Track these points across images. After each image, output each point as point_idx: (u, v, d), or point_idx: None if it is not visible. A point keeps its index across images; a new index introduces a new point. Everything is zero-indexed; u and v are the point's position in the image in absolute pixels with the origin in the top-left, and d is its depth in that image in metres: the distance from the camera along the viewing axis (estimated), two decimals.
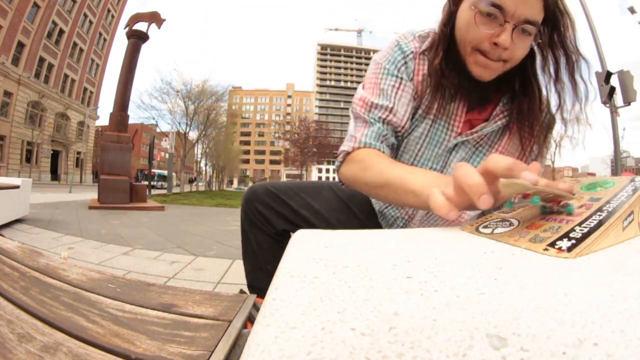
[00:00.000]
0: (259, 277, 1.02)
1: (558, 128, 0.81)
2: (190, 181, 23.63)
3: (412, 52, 0.82)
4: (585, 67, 0.75)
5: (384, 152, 0.76)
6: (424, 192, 0.53)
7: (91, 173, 34.31)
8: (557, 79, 0.74)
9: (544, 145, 0.83)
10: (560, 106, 0.76)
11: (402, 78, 0.81)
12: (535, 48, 0.73)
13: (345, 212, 0.98)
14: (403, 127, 0.81)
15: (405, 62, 0.82)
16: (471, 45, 0.71)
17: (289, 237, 1.01)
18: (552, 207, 0.43)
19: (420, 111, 0.83)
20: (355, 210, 0.99)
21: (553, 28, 0.70)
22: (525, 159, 0.83)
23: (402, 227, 0.92)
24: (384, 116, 0.79)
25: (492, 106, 0.82)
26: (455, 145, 0.82)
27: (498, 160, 0.43)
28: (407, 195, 0.58)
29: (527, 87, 0.77)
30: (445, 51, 0.76)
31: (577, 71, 0.73)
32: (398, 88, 0.80)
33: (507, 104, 0.80)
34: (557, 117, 0.78)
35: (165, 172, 27.83)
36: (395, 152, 0.86)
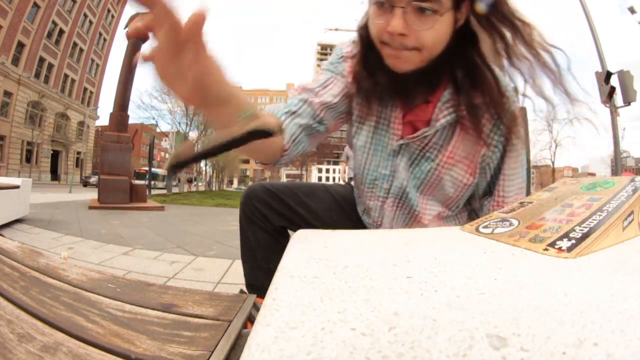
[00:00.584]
0: (258, 276, 1.02)
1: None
2: (189, 181, 23.62)
3: (343, 55, 0.83)
4: (540, 35, 0.65)
5: (283, 122, 0.74)
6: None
7: (91, 173, 34.30)
8: (510, 56, 0.65)
9: (512, 138, 0.74)
10: (528, 84, 0.67)
11: (335, 73, 0.82)
12: (475, 27, 0.66)
13: (339, 212, 0.99)
14: (321, 112, 0.79)
15: (339, 63, 0.83)
16: (377, 39, 0.67)
17: (286, 234, 1.02)
18: None
19: (355, 117, 0.83)
20: (349, 211, 1.00)
21: (457, 3, 0.62)
22: (488, 158, 0.77)
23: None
24: (306, 96, 0.79)
25: (432, 105, 0.76)
26: (400, 148, 0.80)
27: None
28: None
29: (475, 75, 0.69)
30: (367, 53, 0.73)
31: (532, 39, 0.64)
32: (329, 81, 0.81)
33: (450, 100, 0.74)
34: (531, 98, 0.69)
35: (159, 171, 27.78)
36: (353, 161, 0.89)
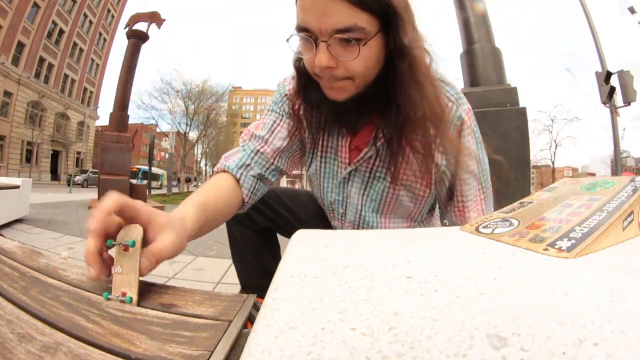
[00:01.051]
0: (250, 275, 1.03)
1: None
2: (187, 180, 23.58)
3: (286, 94, 0.83)
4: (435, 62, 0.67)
5: (239, 179, 0.76)
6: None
7: (79, 171, 34.30)
8: (411, 79, 0.64)
9: (460, 145, 0.73)
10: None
11: (282, 115, 0.83)
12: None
13: (320, 215, 1.00)
14: (274, 160, 0.82)
15: (283, 103, 0.84)
16: (310, 72, 0.67)
17: (273, 235, 1.04)
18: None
19: (309, 147, 0.85)
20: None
21: (385, 24, 0.60)
22: (443, 167, 0.75)
23: None
24: (258, 147, 0.80)
25: (373, 126, 0.75)
26: (349, 175, 0.81)
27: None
28: None
29: (409, 91, 0.66)
30: (307, 85, 0.73)
31: (420, 69, 0.64)
32: (276, 124, 0.82)
33: (383, 122, 0.72)
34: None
35: (156, 170, 27.71)
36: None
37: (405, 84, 0.65)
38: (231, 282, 2.04)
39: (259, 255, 1.01)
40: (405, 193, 0.78)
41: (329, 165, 0.83)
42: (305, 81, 0.73)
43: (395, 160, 0.73)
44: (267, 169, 0.81)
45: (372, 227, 0.83)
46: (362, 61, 0.61)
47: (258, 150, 0.80)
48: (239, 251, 1.04)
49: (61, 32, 28.13)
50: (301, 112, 0.80)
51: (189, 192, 17.19)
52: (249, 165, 0.78)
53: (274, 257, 1.05)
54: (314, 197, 1.04)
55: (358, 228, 0.84)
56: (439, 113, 0.69)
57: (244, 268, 1.05)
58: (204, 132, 24.21)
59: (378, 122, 0.73)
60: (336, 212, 0.87)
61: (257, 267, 1.01)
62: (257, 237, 1.01)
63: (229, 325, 0.39)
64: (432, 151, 0.71)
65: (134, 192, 7.32)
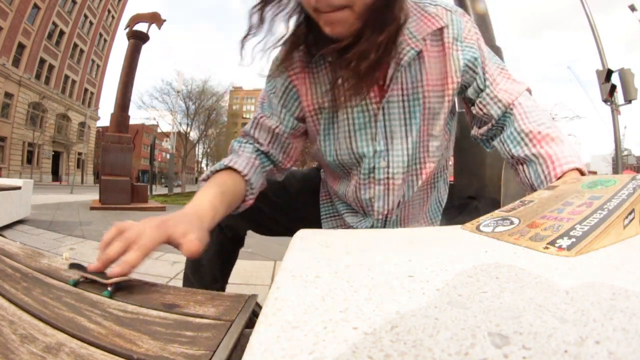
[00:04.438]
0: (197, 270, 1.02)
1: None
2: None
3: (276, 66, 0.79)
4: None
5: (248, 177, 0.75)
6: None
7: (92, 174, 34.35)
8: None
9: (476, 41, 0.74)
10: None
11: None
12: None
13: (306, 198, 1.00)
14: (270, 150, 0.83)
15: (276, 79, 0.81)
16: (310, 9, 0.64)
17: (238, 246, 1.05)
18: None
19: (319, 111, 0.78)
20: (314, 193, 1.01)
21: None
22: (451, 72, 0.73)
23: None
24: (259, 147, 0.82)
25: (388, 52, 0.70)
26: (384, 110, 0.74)
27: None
28: None
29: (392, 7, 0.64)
30: (311, 34, 0.71)
31: None
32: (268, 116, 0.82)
33: (403, 41, 0.70)
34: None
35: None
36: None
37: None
38: (232, 282, 2.04)
39: (215, 260, 1.00)
40: (437, 99, 0.74)
41: (359, 114, 0.75)
42: (308, 29, 0.70)
43: (422, 69, 0.73)
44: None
45: (417, 166, 0.78)
46: None
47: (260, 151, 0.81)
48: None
49: (61, 33, 28.16)
50: (305, 74, 0.75)
51: (191, 193, 17.20)
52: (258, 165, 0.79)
53: (227, 264, 1.06)
54: (299, 178, 1.02)
55: (406, 175, 0.78)
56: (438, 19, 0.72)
57: (195, 262, 1.02)
58: (204, 132, 24.22)
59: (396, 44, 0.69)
60: (377, 171, 0.77)
61: (207, 267, 1.00)
62: (222, 246, 1.00)
63: (230, 325, 0.39)
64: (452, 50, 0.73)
65: (135, 193, 7.33)
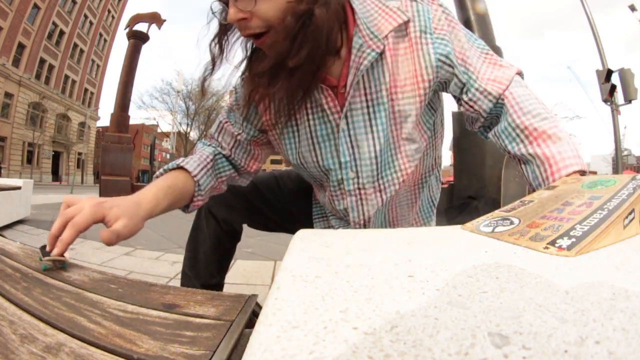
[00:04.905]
0: (194, 265, 1.03)
1: None
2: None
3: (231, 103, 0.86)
4: None
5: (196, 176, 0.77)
6: None
7: (92, 174, 34.35)
8: None
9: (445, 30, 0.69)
10: None
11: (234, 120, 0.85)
12: None
13: (300, 199, 1.00)
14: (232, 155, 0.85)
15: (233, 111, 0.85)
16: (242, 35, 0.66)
17: (234, 239, 1.05)
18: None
19: (278, 126, 0.77)
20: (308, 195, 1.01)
21: None
22: (421, 66, 0.69)
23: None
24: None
25: (348, 56, 0.69)
26: (347, 119, 0.71)
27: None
28: None
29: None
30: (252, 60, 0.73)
31: None
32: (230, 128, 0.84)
33: (364, 43, 0.67)
34: None
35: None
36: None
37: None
38: (232, 282, 2.04)
39: (211, 255, 1.01)
40: (407, 100, 0.70)
41: (320, 126, 0.74)
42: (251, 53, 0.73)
43: (384, 71, 0.69)
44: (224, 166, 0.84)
45: (391, 173, 0.75)
46: (267, 5, 0.60)
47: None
48: (197, 242, 1.03)
49: (61, 33, 28.16)
50: (261, 97, 0.73)
51: None
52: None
53: (224, 259, 1.06)
54: (292, 178, 1.03)
55: (378, 183, 0.75)
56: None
57: (190, 259, 1.05)
58: (204, 133, 24.21)
59: (354, 48, 0.67)
60: (346, 183, 0.75)
61: (204, 262, 1.01)
62: (219, 238, 1.01)
63: (230, 325, 0.39)
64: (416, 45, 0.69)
65: (134, 192, 7.33)
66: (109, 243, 0.55)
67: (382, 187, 0.76)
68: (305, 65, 0.63)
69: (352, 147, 0.73)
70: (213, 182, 0.81)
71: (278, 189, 1.01)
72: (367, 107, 0.70)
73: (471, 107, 0.72)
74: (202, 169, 0.77)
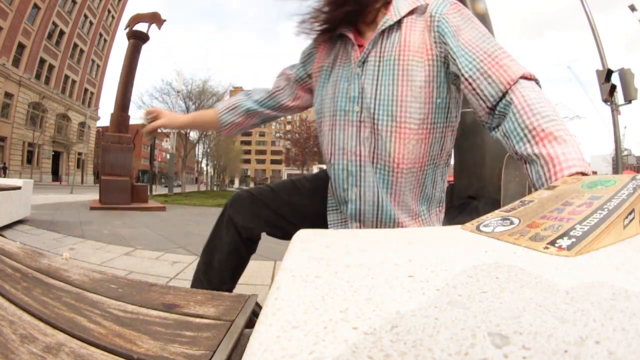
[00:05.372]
0: (207, 272, 1.06)
1: None
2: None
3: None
4: None
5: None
6: None
7: (92, 174, 34.35)
8: None
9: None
10: None
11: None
12: None
13: (317, 201, 1.04)
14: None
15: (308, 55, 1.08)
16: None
17: (252, 249, 1.10)
18: None
19: (318, 70, 1.00)
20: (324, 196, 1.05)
21: None
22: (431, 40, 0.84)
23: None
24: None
25: (373, 26, 0.91)
26: (362, 67, 0.88)
27: None
28: None
29: None
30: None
31: None
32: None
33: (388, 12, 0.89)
34: None
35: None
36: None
37: None
38: None
39: (227, 262, 1.05)
40: (415, 63, 0.83)
41: (344, 72, 0.92)
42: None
43: (400, 36, 0.86)
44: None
45: (386, 117, 0.84)
46: None
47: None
48: (213, 249, 1.07)
49: (61, 33, 28.16)
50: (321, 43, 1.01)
51: (191, 193, 17.20)
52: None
53: (238, 268, 1.11)
54: (309, 179, 1.12)
55: (373, 121, 0.85)
56: None
57: (207, 263, 1.08)
58: (204, 133, 24.20)
59: (381, 12, 0.91)
60: (351, 114, 0.88)
61: (218, 269, 1.05)
62: (237, 244, 1.05)
63: (230, 325, 0.39)
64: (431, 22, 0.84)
65: (135, 192, 7.33)
66: (146, 132, 1.15)
67: (376, 126, 0.86)
68: (353, 10, 0.89)
69: (361, 89, 0.87)
70: (235, 119, 1.12)
71: (295, 189, 1.09)
72: (379, 61, 0.87)
73: (470, 84, 0.77)
74: (225, 109, 1.12)
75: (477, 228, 0.44)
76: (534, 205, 0.46)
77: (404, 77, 0.83)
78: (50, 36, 26.90)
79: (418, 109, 0.83)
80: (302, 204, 1.06)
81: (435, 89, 0.84)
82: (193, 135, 23.49)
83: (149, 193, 9.40)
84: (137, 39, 8.45)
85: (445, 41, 0.81)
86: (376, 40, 0.87)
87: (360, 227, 0.90)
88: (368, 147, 0.86)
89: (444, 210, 0.97)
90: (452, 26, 0.81)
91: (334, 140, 0.92)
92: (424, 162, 0.87)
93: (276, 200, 1.05)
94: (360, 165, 0.87)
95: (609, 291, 0.23)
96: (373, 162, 0.86)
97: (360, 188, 0.88)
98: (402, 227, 0.87)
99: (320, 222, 1.00)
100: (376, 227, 0.88)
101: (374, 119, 0.85)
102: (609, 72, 8.49)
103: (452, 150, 0.93)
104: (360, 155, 0.87)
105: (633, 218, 0.38)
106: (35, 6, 24.99)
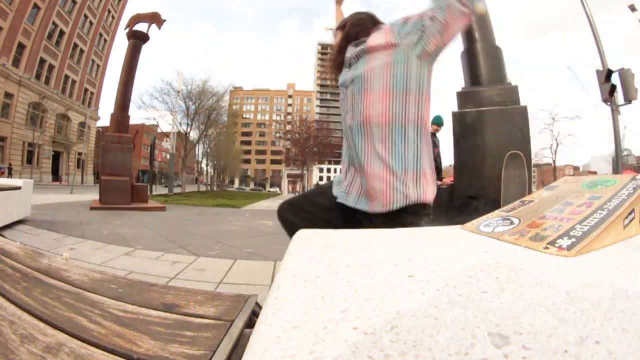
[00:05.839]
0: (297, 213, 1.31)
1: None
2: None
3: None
4: None
5: None
6: None
7: (92, 174, 34.34)
8: None
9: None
10: None
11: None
12: None
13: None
14: None
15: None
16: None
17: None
18: None
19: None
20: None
21: None
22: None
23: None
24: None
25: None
26: (349, 63, 1.19)
27: None
28: None
29: None
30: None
31: None
32: None
33: None
34: None
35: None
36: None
37: None
38: (233, 282, 2.04)
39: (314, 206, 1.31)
40: (379, 42, 1.08)
41: (346, 69, 1.22)
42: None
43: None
44: None
45: (360, 78, 1.11)
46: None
47: None
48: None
49: (61, 33, 28.16)
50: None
51: (191, 193, 17.21)
52: None
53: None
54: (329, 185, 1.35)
55: (351, 84, 1.14)
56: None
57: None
58: (204, 132, 24.20)
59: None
60: (345, 81, 1.18)
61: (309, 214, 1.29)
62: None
63: (230, 325, 0.39)
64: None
65: (135, 192, 7.33)
66: None
67: (354, 87, 1.14)
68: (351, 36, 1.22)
69: (350, 72, 1.17)
70: None
71: (322, 191, 1.33)
72: (357, 57, 1.15)
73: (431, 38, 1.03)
74: None
75: (477, 228, 0.44)
76: (534, 205, 0.46)
77: (372, 54, 1.14)
78: (50, 36, 26.89)
79: (380, 62, 1.11)
80: (327, 200, 1.27)
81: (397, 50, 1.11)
82: (193, 135, 23.49)
83: (149, 193, 9.39)
84: (137, 39, 8.45)
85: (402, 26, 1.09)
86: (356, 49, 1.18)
87: (354, 172, 1.13)
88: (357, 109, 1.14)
89: (430, 184, 1.07)
90: (399, 23, 1.09)
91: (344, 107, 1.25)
92: (387, 118, 1.09)
93: (308, 201, 1.32)
94: (357, 124, 1.13)
95: (609, 291, 0.23)
96: (360, 121, 1.12)
97: (355, 140, 1.13)
98: (372, 169, 1.06)
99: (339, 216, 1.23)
100: (360, 171, 1.10)
101: (352, 83, 1.15)
102: (609, 72, 8.49)
103: (429, 122, 1.11)
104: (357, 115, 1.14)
105: (633, 218, 0.38)
106: (35, 6, 24.99)
